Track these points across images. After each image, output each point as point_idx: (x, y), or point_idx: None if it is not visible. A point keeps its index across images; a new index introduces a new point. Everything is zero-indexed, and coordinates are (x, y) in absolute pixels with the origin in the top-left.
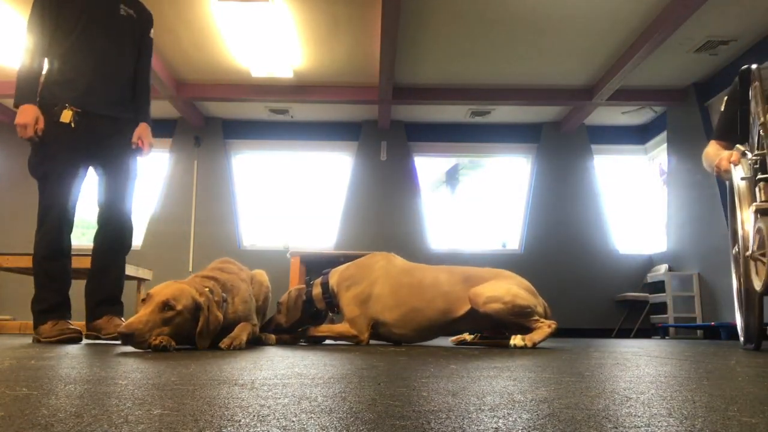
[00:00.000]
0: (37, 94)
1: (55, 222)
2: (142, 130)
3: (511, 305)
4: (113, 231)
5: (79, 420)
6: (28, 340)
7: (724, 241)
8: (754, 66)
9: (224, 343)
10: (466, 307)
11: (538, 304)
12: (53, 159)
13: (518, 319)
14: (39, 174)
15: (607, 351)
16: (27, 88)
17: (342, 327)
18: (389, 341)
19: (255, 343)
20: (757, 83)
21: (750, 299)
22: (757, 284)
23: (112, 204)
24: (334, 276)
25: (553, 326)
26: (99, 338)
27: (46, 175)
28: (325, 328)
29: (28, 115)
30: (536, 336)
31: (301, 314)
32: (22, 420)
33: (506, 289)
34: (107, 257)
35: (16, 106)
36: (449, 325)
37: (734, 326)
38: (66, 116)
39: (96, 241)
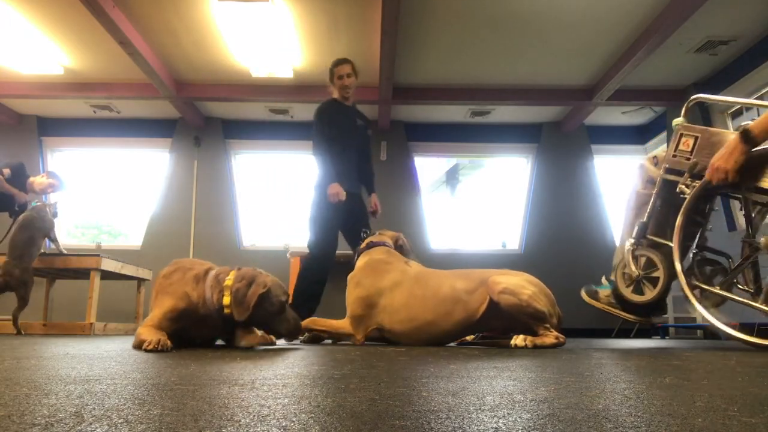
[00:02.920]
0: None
1: (327, 261)
2: (376, 198)
3: (526, 304)
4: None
5: (79, 420)
6: (29, 340)
7: (725, 240)
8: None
9: (247, 341)
10: (483, 308)
11: (554, 314)
12: (334, 219)
13: (529, 320)
14: (323, 225)
15: (607, 351)
16: (335, 173)
17: (340, 323)
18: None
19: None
20: None
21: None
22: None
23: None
24: (362, 260)
25: (561, 339)
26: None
27: (330, 227)
28: (323, 324)
29: (341, 190)
30: (539, 340)
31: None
32: (22, 420)
33: (526, 287)
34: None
35: (332, 182)
36: (465, 331)
37: (734, 326)
38: (342, 195)
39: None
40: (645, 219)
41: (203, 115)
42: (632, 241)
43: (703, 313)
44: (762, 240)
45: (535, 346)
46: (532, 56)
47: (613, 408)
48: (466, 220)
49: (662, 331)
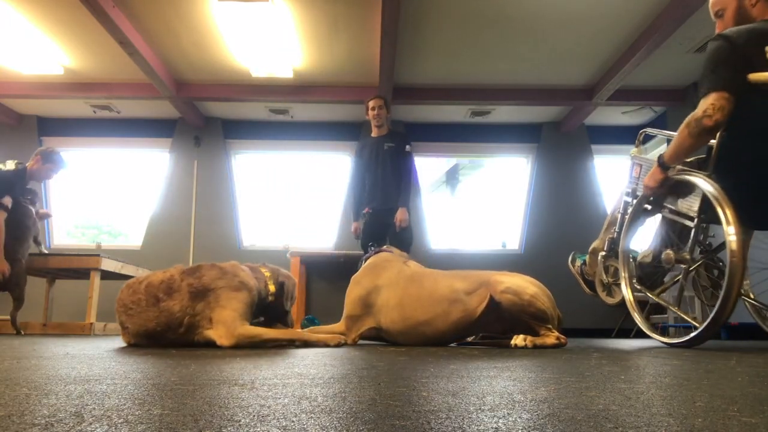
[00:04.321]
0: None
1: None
2: (400, 213)
3: (527, 303)
4: None
5: (79, 420)
6: (29, 340)
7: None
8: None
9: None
10: (481, 308)
11: (555, 316)
12: (366, 238)
13: (530, 320)
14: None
15: (607, 351)
16: (355, 212)
17: (334, 327)
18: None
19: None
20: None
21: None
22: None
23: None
24: (366, 262)
25: (563, 340)
26: None
27: (365, 245)
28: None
29: (355, 228)
30: (539, 341)
31: None
32: (22, 420)
33: (528, 288)
34: None
35: (353, 221)
36: (463, 332)
37: (734, 326)
38: (356, 232)
39: None
40: (614, 235)
41: (203, 115)
42: (604, 253)
43: (637, 319)
44: (663, 256)
45: (535, 346)
46: (532, 56)
47: (613, 408)
48: (466, 220)
49: (662, 331)
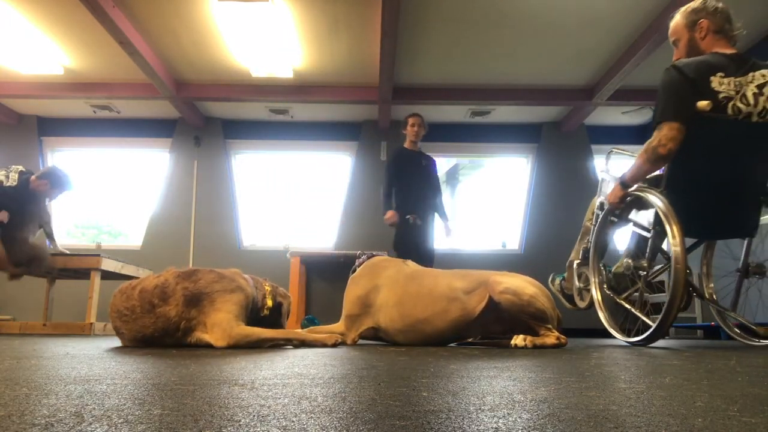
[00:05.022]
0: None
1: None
2: (446, 224)
3: (527, 303)
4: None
5: (79, 420)
6: (29, 340)
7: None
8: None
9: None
10: (481, 307)
11: (554, 316)
12: (407, 235)
13: (530, 320)
14: (396, 243)
15: (607, 351)
16: (386, 205)
17: (334, 327)
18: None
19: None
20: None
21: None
22: (582, 304)
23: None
24: (364, 264)
25: (563, 340)
26: None
27: (404, 244)
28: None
29: (392, 215)
30: (539, 341)
31: None
32: (22, 420)
33: (527, 288)
34: None
35: (386, 209)
36: (462, 331)
37: (734, 326)
38: (412, 218)
39: None
40: (588, 245)
41: (203, 115)
42: (578, 261)
43: (602, 319)
44: (623, 263)
45: (535, 346)
46: (532, 56)
47: (613, 408)
48: (466, 220)
49: None
